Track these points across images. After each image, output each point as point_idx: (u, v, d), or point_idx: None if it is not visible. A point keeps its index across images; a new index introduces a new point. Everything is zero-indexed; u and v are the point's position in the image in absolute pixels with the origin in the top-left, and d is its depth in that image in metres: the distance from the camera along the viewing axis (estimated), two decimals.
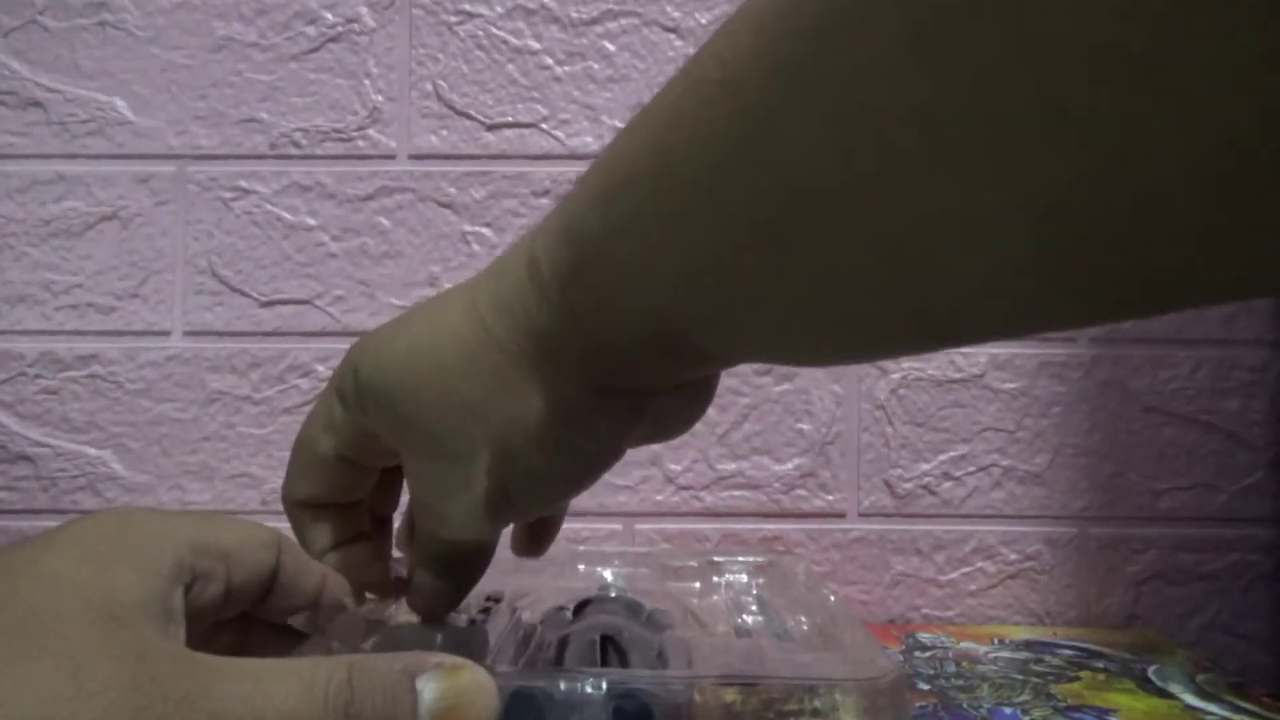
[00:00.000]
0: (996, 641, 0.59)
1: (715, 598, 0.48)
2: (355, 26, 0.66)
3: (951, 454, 0.66)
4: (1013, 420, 0.66)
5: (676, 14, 0.66)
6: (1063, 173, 0.14)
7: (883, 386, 0.66)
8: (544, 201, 0.66)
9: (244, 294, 0.66)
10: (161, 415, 0.66)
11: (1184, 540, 0.66)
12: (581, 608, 0.41)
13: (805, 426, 0.66)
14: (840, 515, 0.66)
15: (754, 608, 0.45)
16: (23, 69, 0.66)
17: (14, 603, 0.20)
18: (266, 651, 0.29)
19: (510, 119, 0.67)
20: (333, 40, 0.66)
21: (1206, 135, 0.12)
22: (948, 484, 0.66)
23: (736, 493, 0.66)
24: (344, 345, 0.31)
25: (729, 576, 0.49)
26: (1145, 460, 0.66)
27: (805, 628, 0.41)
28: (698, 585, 0.49)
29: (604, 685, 0.29)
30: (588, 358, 0.25)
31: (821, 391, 0.66)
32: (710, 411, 0.31)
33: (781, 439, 0.66)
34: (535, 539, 0.37)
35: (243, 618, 0.28)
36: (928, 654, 0.56)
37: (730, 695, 0.29)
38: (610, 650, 0.35)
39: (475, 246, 0.66)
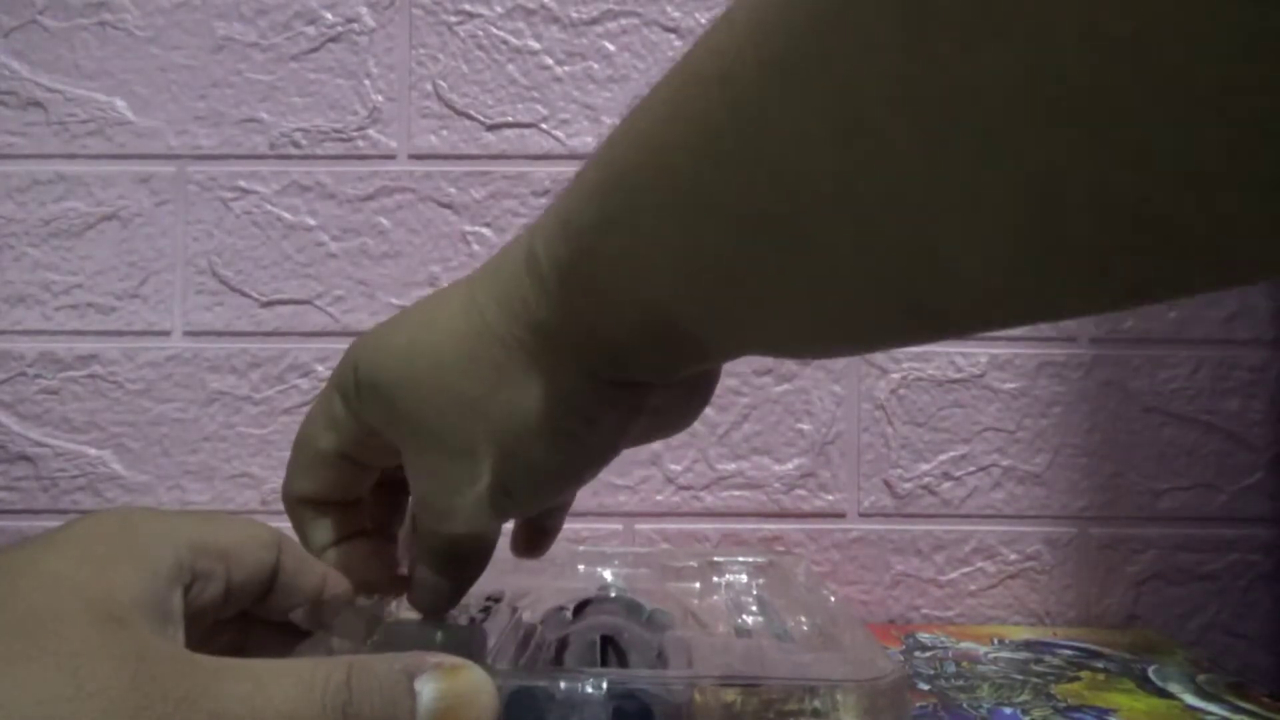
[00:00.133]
0: (996, 641, 0.59)
1: (715, 598, 0.48)
2: (355, 26, 0.66)
3: (951, 454, 0.66)
4: (1013, 420, 0.66)
5: (676, 14, 0.66)
6: (1055, 156, 0.14)
7: (883, 386, 0.66)
8: (544, 201, 0.66)
9: (244, 294, 0.66)
10: (161, 415, 0.66)
11: (1184, 540, 0.66)
12: (581, 608, 0.41)
13: (805, 426, 0.66)
14: (840, 515, 0.66)
15: (754, 608, 0.45)
16: (23, 69, 0.66)
17: (14, 603, 0.20)
18: (266, 650, 0.29)
19: (510, 119, 0.67)
20: (333, 40, 0.66)
21: (1197, 114, 0.12)
22: (948, 484, 0.66)
23: (736, 493, 0.66)
24: (344, 345, 0.31)
25: (729, 577, 0.49)
26: (1145, 460, 0.66)
27: (805, 628, 0.41)
28: (698, 585, 0.49)
29: (604, 685, 0.29)
30: (586, 350, 0.25)
31: (821, 391, 0.66)
32: (710, 411, 0.31)
33: (781, 439, 0.66)
34: (535, 541, 0.37)
35: (243, 617, 0.28)
36: (928, 654, 0.56)
37: (730, 695, 0.29)
38: (610, 650, 0.35)
39: (475, 246, 0.66)
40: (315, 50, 0.66)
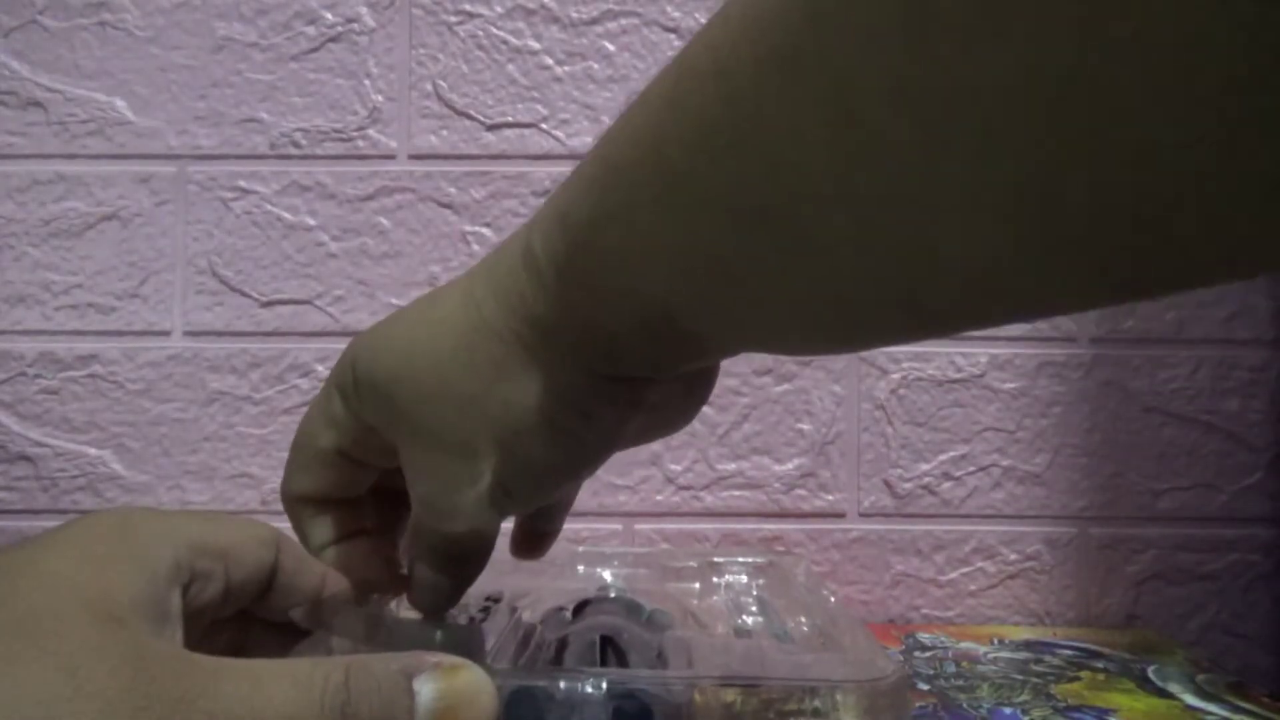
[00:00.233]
0: (996, 641, 0.59)
1: (715, 598, 0.48)
2: (355, 26, 0.66)
3: (951, 454, 0.66)
4: (1013, 420, 0.66)
5: (676, 14, 0.66)
6: (1055, 156, 0.14)
7: (883, 386, 0.66)
8: (544, 201, 0.66)
9: (244, 294, 0.66)
10: (161, 415, 0.66)
11: (1184, 540, 0.66)
12: (581, 608, 0.41)
13: (805, 426, 0.66)
14: (840, 515, 0.66)
15: (754, 608, 0.45)
16: (23, 69, 0.66)
17: (13, 603, 0.20)
18: (266, 650, 0.29)
19: (510, 119, 0.67)
20: (333, 40, 0.66)
21: (1197, 114, 0.12)
22: (948, 484, 0.66)
23: (736, 493, 0.66)
24: (344, 345, 0.31)
25: (729, 577, 0.49)
26: (1145, 460, 0.66)
27: (805, 628, 0.41)
28: (697, 586, 0.49)
29: (604, 685, 0.29)
30: (583, 345, 0.25)
31: (821, 391, 0.66)
32: (710, 411, 0.31)
33: (781, 439, 0.66)
34: (534, 543, 0.36)
35: (242, 616, 0.28)
36: (928, 654, 0.56)
37: (730, 696, 0.29)
38: (610, 651, 0.35)
39: (475, 246, 0.66)
40: (315, 50, 0.66)
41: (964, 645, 0.58)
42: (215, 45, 0.66)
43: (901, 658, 0.56)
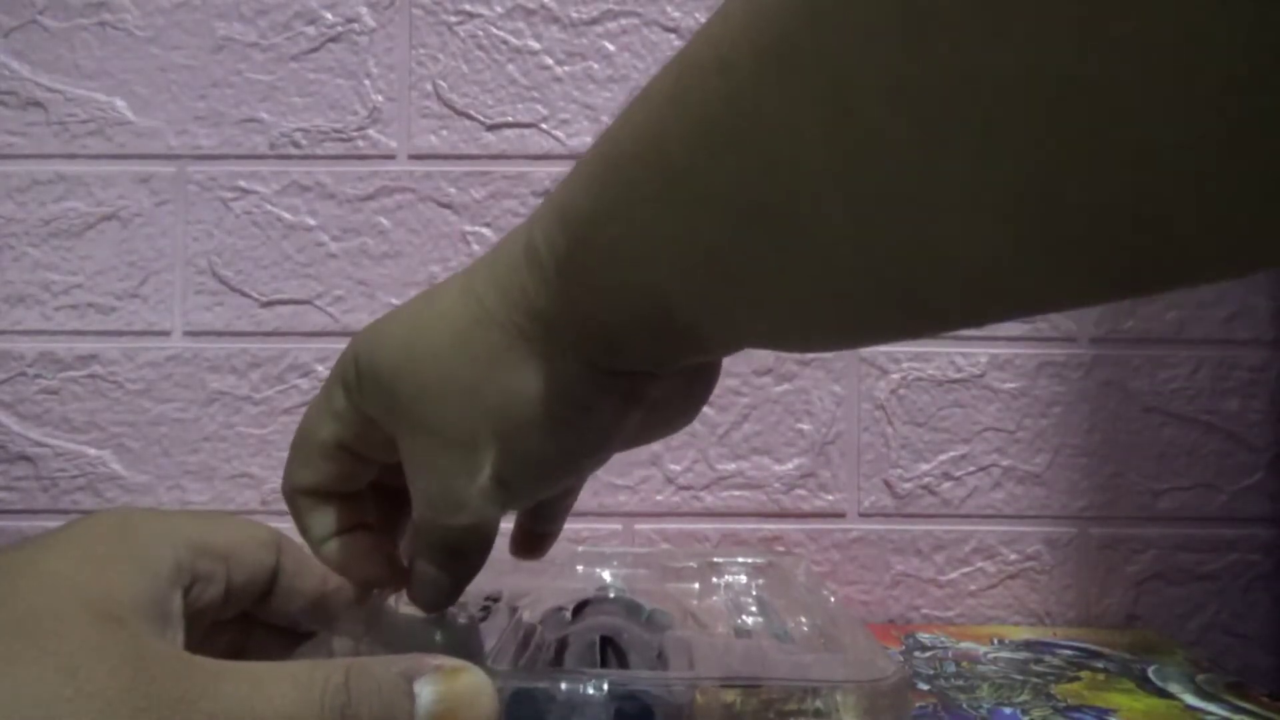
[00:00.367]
0: (996, 641, 0.59)
1: (715, 598, 0.48)
2: (355, 26, 0.66)
3: (951, 454, 0.66)
4: (1013, 420, 0.66)
5: (676, 14, 0.66)
6: (1054, 156, 0.14)
7: (883, 386, 0.66)
8: (544, 199, 0.66)
9: (244, 294, 0.66)
10: (161, 415, 0.66)
11: (1184, 540, 0.66)
12: (581, 608, 0.41)
13: (805, 426, 0.66)
14: (840, 515, 0.66)
15: (754, 608, 0.45)
16: (23, 69, 0.66)
17: (14, 603, 0.20)
18: (268, 653, 0.29)
19: (510, 119, 0.67)
20: (333, 40, 0.66)
21: (1197, 114, 0.12)
22: (948, 484, 0.66)
23: (736, 493, 0.66)
24: (344, 345, 0.31)
25: (729, 577, 0.49)
26: (1145, 460, 0.66)
27: (805, 629, 0.41)
28: (697, 586, 0.49)
29: (605, 686, 0.29)
30: (584, 338, 0.25)
31: (821, 391, 0.66)
32: (710, 411, 0.31)
33: (781, 439, 0.66)
34: (534, 543, 0.36)
35: (243, 618, 0.28)
36: (928, 654, 0.56)
37: (731, 696, 0.29)
38: (610, 651, 0.35)
39: (475, 246, 0.66)
40: (315, 50, 0.66)
41: (964, 645, 0.58)
42: (215, 45, 0.66)
43: (901, 658, 0.56)
